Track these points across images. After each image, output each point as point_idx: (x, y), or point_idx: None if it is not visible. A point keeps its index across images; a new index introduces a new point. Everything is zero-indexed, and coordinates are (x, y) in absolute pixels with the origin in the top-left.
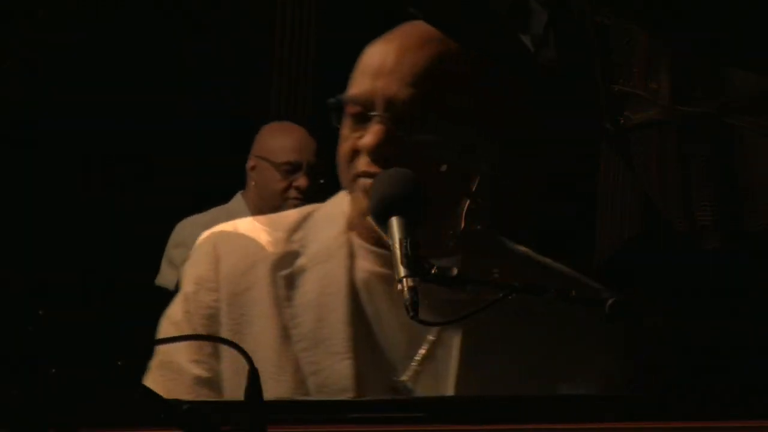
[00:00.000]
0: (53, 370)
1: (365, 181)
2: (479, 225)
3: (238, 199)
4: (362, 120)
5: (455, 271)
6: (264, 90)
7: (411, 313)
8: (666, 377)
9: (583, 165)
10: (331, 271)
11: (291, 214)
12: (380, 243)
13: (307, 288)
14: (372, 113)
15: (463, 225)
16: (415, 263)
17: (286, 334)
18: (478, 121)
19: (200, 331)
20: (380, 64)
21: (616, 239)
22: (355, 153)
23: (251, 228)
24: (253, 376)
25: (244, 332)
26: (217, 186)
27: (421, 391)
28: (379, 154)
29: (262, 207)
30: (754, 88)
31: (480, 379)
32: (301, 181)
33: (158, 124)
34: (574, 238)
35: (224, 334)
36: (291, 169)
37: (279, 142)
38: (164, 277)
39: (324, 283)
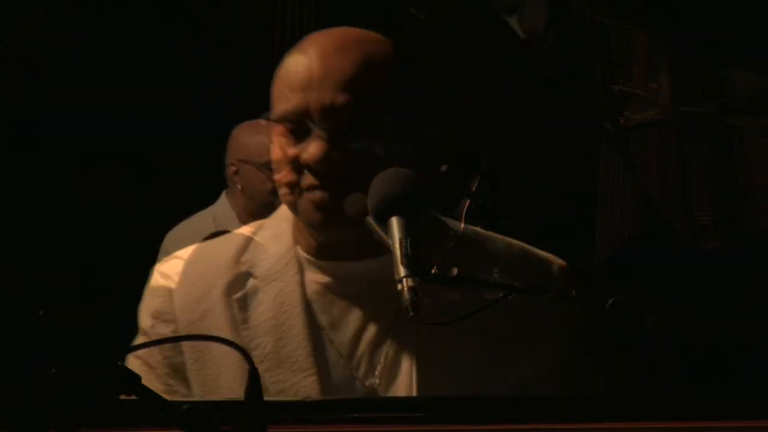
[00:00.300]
0: (53, 370)
1: (313, 194)
2: (479, 225)
3: (223, 201)
4: (298, 136)
5: (455, 271)
6: (264, 90)
7: (411, 313)
8: (666, 377)
9: (583, 165)
10: (284, 289)
11: (237, 236)
12: (322, 255)
13: (263, 308)
14: (310, 126)
15: (463, 225)
16: (415, 263)
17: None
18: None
19: (163, 363)
20: (307, 75)
21: (616, 239)
22: (297, 171)
23: (201, 254)
24: (253, 376)
25: (206, 358)
26: (217, 186)
27: (389, 392)
28: (324, 166)
29: (252, 209)
30: (754, 88)
31: (443, 372)
32: None
33: (158, 124)
34: (574, 238)
35: (187, 361)
36: None
37: (257, 141)
38: None
39: (278, 301)
